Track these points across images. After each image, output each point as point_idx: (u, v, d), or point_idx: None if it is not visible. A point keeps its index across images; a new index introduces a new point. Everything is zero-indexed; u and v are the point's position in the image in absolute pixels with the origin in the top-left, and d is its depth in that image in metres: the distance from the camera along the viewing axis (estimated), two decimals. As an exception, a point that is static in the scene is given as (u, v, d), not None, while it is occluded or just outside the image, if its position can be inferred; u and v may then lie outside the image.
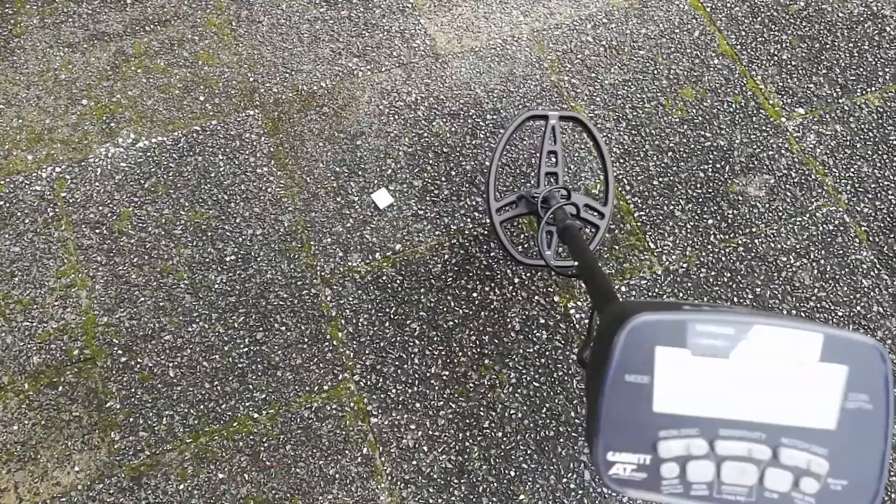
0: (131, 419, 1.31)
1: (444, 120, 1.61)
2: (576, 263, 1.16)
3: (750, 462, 0.50)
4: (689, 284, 1.46)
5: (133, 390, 1.33)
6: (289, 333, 1.39)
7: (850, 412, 0.51)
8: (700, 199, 1.55)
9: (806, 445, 0.50)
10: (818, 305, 1.45)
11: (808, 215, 1.54)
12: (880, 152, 1.62)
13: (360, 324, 1.40)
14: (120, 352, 1.36)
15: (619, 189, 1.55)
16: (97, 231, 1.46)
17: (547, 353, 1.39)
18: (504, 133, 1.37)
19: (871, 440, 0.51)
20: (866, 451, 0.51)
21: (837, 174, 1.59)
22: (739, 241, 1.51)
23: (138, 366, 1.35)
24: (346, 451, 1.30)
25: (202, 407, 1.32)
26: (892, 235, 1.53)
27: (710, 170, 1.58)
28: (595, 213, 1.35)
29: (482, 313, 1.42)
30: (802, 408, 0.51)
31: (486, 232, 1.49)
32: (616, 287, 1.45)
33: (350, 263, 1.46)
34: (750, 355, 0.50)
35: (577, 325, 1.41)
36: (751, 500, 0.50)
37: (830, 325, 0.52)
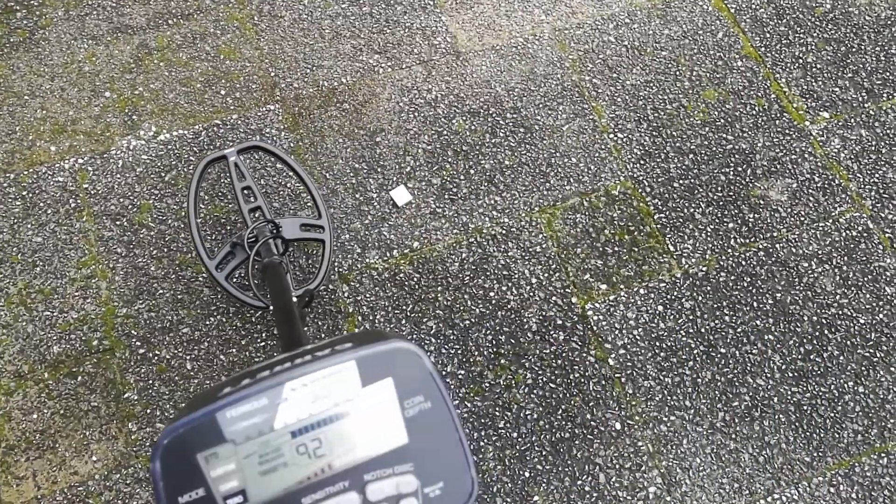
0: (148, 410, 1.32)
1: (464, 118, 1.61)
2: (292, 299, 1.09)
3: None
4: (709, 288, 1.45)
5: (151, 382, 1.34)
6: (305, 329, 1.39)
7: (414, 418, 0.50)
8: (721, 203, 1.54)
9: (389, 471, 0.49)
10: (840, 312, 1.43)
11: (830, 221, 1.52)
12: (906, 158, 1.59)
13: (376, 321, 1.40)
14: (138, 343, 1.37)
15: (639, 191, 1.54)
16: (118, 223, 1.47)
17: (564, 354, 1.38)
18: (189, 189, 1.31)
19: (444, 434, 0.50)
20: (445, 446, 0.50)
21: (862, 179, 1.57)
22: (760, 246, 1.49)
23: (156, 357, 1.36)
24: (361, 448, 1.30)
25: (219, 400, 1.33)
26: (916, 243, 1.51)
27: (732, 173, 1.57)
28: (316, 229, 1.32)
29: (499, 313, 1.42)
30: (371, 437, 0.49)
31: (503, 231, 1.49)
32: (635, 289, 1.44)
33: (368, 260, 1.46)
34: (295, 415, 0.48)
35: (595, 327, 1.41)
36: None
37: (360, 345, 0.50)
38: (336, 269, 1.45)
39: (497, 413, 1.34)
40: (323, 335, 1.39)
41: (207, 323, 1.39)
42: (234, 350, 1.37)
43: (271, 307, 1.01)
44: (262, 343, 1.38)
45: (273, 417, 0.48)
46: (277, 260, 1.15)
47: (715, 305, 1.44)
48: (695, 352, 1.39)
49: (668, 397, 1.36)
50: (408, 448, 0.50)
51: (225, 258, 1.29)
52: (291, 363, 0.50)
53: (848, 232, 1.51)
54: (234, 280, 1.33)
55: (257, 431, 0.48)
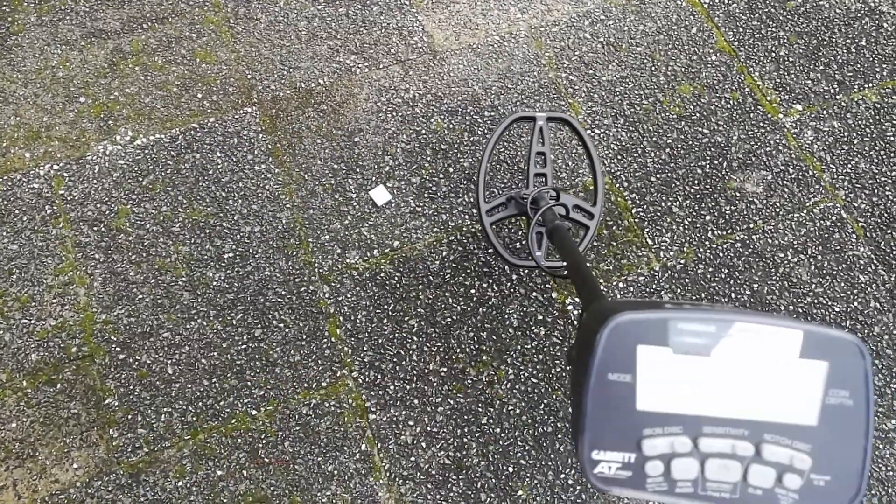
0: (129, 416, 1.31)
1: (442, 117, 1.61)
2: (564, 263, 1.15)
3: (733, 459, 0.50)
4: (687, 280, 1.46)
5: (131, 387, 1.33)
6: (287, 330, 1.39)
7: (832, 408, 0.51)
8: (698, 196, 1.55)
9: (788, 441, 0.51)
10: (815, 301, 1.45)
11: (805, 211, 1.54)
12: (877, 148, 1.62)
13: (358, 320, 1.41)
14: (118, 349, 1.36)
15: (617, 185, 1.55)
16: (95, 228, 1.46)
17: (545, 349, 1.39)
18: (493, 135, 1.37)
19: (852, 436, 0.51)
20: (848, 447, 0.51)
21: (835, 170, 1.59)
22: (737, 238, 1.51)
23: (136, 363, 1.35)
24: (345, 448, 1.30)
25: (200, 404, 1.33)
26: (889, 231, 1.53)
27: (708, 166, 1.59)
28: (585, 214, 1.34)
29: (480, 310, 1.42)
30: (784, 404, 0.51)
31: (482, 229, 1.49)
32: (614, 283, 1.46)
33: (348, 260, 1.46)
34: (731, 353, 0.51)
35: (575, 322, 1.42)
36: (735, 497, 0.50)
37: (810, 322, 0.52)
38: (316, 269, 1.45)
39: (480, 409, 1.34)
40: (304, 336, 1.39)
41: (188, 327, 1.38)
42: (214, 353, 1.36)
43: (566, 265, 1.06)
44: (244, 346, 1.37)
45: (714, 345, 0.51)
46: (567, 225, 1.17)
47: (694, 297, 1.45)
48: (674, 344, 1.41)
49: (649, 389, 1.37)
50: (813, 430, 0.51)
51: (497, 207, 1.34)
52: (732, 309, 0.53)
53: (822, 222, 1.53)
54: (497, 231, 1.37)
55: (696, 350, 0.51)
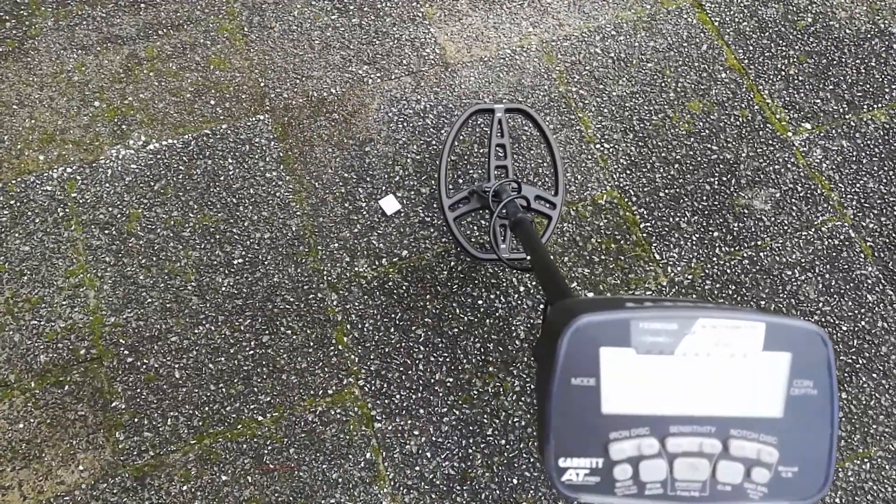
0: (136, 419, 1.32)
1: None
2: (528, 257, 1.15)
3: (701, 457, 0.50)
4: (694, 296, 1.47)
5: (138, 391, 1.34)
6: (294, 337, 1.40)
7: (796, 399, 0.51)
8: (706, 212, 1.56)
9: (755, 435, 0.51)
10: (822, 319, 1.45)
11: (813, 230, 1.55)
12: (886, 168, 1.62)
13: (365, 329, 1.41)
14: (126, 352, 1.37)
15: (626, 200, 1.56)
16: (106, 232, 1.47)
17: (551, 361, 1.39)
18: (452, 128, 1.38)
19: (818, 425, 0.51)
20: (814, 437, 0.51)
21: (843, 189, 1.60)
22: (745, 254, 1.52)
23: (144, 366, 1.36)
24: (350, 456, 1.31)
25: (207, 409, 1.33)
26: (897, 251, 1.53)
27: (717, 182, 1.59)
28: (547, 204, 1.35)
29: (487, 321, 1.43)
30: (749, 398, 0.51)
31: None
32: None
33: (356, 269, 1.46)
34: (695, 349, 0.51)
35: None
36: (704, 495, 0.50)
37: (771, 314, 0.52)
38: (325, 277, 1.45)
39: (485, 420, 1.34)
40: (311, 343, 1.39)
41: (196, 332, 1.39)
42: (222, 359, 1.37)
43: (530, 258, 1.04)
44: (251, 352, 1.38)
45: (677, 343, 0.50)
46: (530, 217, 1.16)
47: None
48: (681, 359, 1.41)
49: (655, 404, 1.37)
50: (779, 422, 0.51)
51: (459, 202, 1.35)
52: (693, 304, 0.52)
53: (830, 241, 1.54)
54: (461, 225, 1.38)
55: (659, 349, 0.50)
